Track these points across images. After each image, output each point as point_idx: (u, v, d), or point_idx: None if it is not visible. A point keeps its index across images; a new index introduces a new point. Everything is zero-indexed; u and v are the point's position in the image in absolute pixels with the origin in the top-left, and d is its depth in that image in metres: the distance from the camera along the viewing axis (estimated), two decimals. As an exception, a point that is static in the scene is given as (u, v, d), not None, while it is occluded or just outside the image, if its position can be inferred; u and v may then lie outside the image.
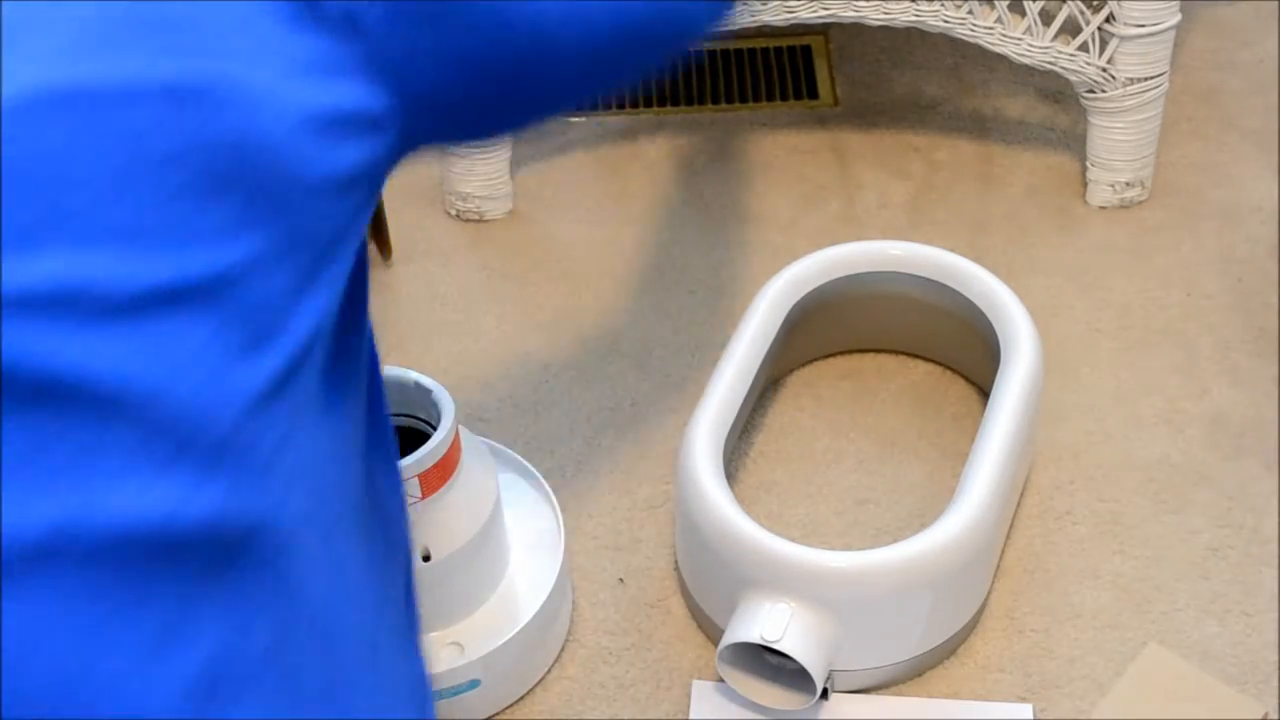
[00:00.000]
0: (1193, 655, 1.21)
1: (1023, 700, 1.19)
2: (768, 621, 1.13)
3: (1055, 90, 1.69)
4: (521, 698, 1.21)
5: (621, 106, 1.72)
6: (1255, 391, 1.40)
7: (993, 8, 1.47)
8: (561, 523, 1.23)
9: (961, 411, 1.39)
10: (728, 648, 1.15)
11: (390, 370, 1.15)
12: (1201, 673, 1.19)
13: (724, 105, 1.71)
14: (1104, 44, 1.48)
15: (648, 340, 1.47)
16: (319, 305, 0.56)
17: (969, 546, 1.17)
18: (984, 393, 1.35)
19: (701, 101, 1.72)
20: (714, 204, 1.60)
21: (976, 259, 1.36)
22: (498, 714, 1.20)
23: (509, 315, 1.50)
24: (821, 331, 1.40)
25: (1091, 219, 1.57)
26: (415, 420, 1.15)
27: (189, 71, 0.53)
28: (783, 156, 1.65)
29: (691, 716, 1.19)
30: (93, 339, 0.50)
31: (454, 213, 1.59)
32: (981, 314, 1.32)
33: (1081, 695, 1.20)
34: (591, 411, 1.41)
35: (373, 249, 1.55)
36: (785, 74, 1.74)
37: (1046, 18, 1.47)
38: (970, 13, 1.46)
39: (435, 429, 1.11)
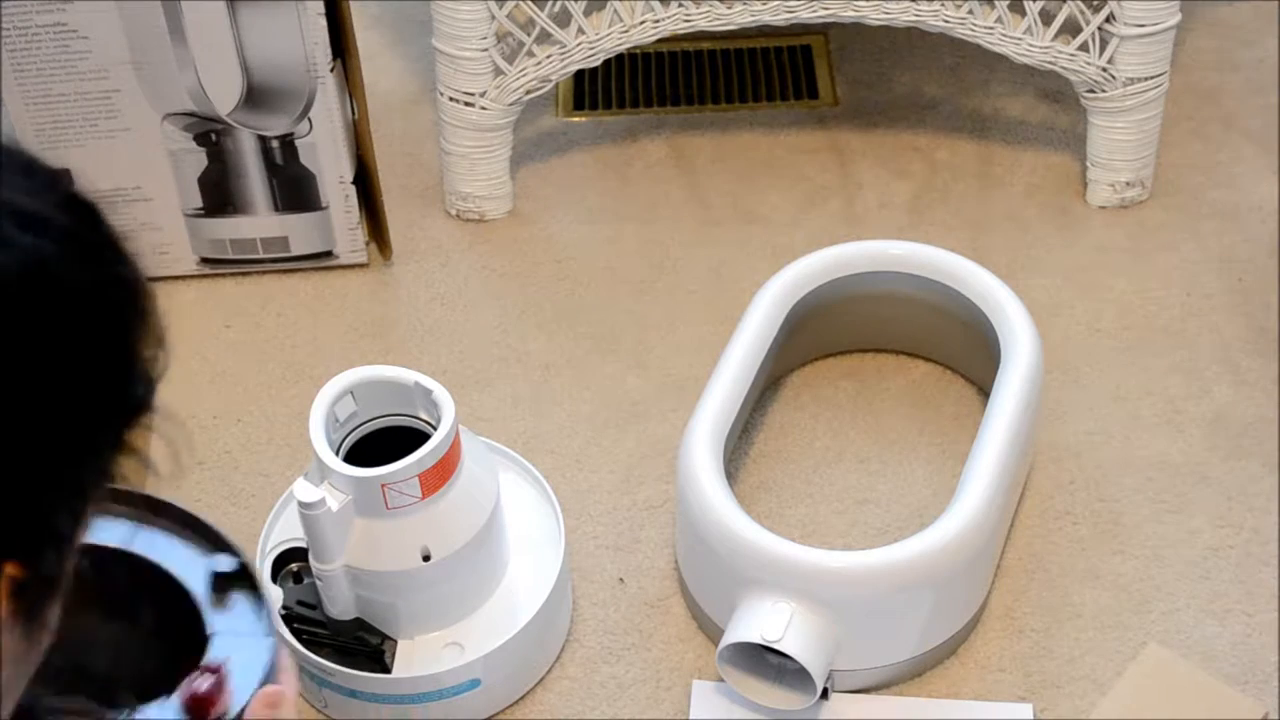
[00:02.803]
0: (1193, 655, 1.21)
1: (1023, 700, 1.19)
2: (768, 621, 1.13)
3: (1055, 90, 1.69)
4: (521, 698, 1.21)
5: (621, 106, 1.72)
6: (1255, 391, 1.40)
7: (993, 8, 1.47)
8: (561, 523, 1.23)
9: (961, 411, 1.39)
10: (728, 648, 1.15)
11: (390, 370, 1.15)
12: (1201, 673, 1.19)
13: (724, 105, 1.71)
14: (1104, 44, 1.48)
15: (648, 340, 1.47)
16: None
17: (969, 546, 1.17)
18: (984, 393, 1.35)
19: (701, 101, 1.72)
20: (714, 204, 1.60)
21: (976, 259, 1.36)
22: (498, 714, 1.20)
23: (509, 315, 1.50)
24: (821, 331, 1.40)
25: (1091, 219, 1.57)
26: (415, 420, 1.15)
27: None
28: (783, 156, 1.65)
29: (691, 716, 1.19)
30: None
31: (454, 212, 1.59)
32: (981, 314, 1.32)
33: (1081, 695, 1.20)
34: (591, 411, 1.41)
35: (373, 249, 1.55)
36: (785, 74, 1.74)
37: (1046, 18, 1.47)
38: (970, 13, 1.46)
39: (435, 429, 1.11)
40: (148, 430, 0.62)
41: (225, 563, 0.95)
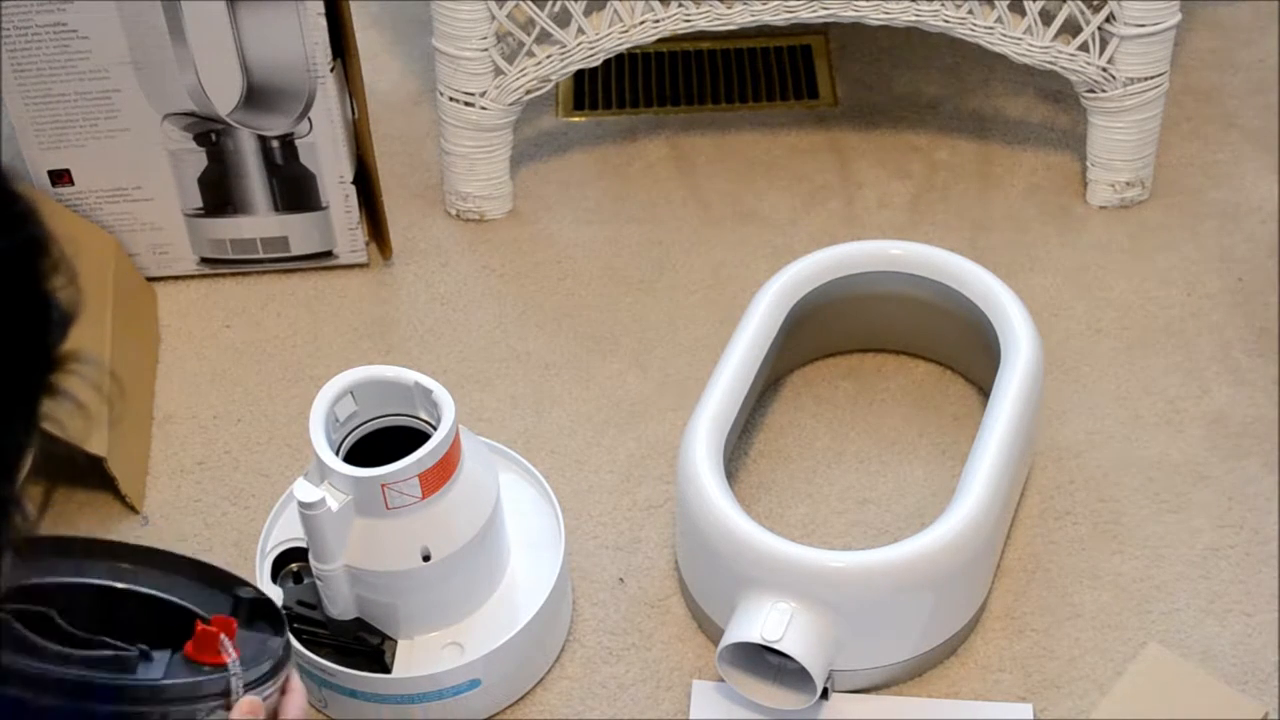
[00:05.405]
0: (1193, 655, 1.22)
1: (1023, 700, 1.19)
2: (768, 621, 1.13)
3: (1055, 90, 1.69)
4: (521, 698, 1.21)
5: (621, 106, 1.72)
6: (1255, 391, 1.40)
7: (993, 8, 1.47)
8: (561, 523, 1.23)
9: (961, 411, 1.39)
10: (728, 648, 1.15)
11: (390, 370, 1.15)
12: (1201, 673, 1.19)
13: (724, 105, 1.71)
14: (1104, 44, 1.48)
15: (648, 340, 1.47)
16: None
17: (969, 546, 1.17)
18: (984, 393, 1.35)
19: (701, 101, 1.72)
20: (714, 204, 1.60)
21: (976, 259, 1.36)
22: (498, 714, 1.20)
23: (509, 315, 1.50)
24: (821, 331, 1.40)
25: (1091, 219, 1.57)
26: (415, 420, 1.15)
27: None
28: (783, 156, 1.65)
29: (691, 716, 1.19)
30: None
31: (454, 213, 1.59)
32: (981, 314, 1.32)
33: (1081, 695, 1.20)
34: (591, 411, 1.41)
35: (373, 249, 1.55)
36: (785, 74, 1.74)
37: (1046, 18, 1.47)
38: (970, 13, 1.46)
39: (435, 429, 1.11)
40: (71, 373, 0.64)
41: (249, 591, 0.97)
